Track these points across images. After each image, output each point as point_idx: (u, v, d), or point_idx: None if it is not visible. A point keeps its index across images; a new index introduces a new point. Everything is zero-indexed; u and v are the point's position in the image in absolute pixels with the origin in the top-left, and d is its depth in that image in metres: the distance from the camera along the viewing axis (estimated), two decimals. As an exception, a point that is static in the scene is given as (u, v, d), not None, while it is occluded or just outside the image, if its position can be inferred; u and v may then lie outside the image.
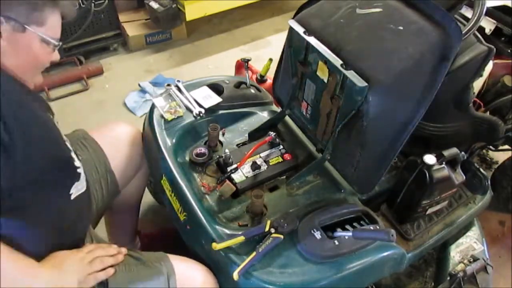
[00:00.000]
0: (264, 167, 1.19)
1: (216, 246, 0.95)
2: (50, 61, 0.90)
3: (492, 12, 1.52)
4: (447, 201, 1.25)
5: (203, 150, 1.22)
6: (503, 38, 1.57)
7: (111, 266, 0.95)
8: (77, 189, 0.94)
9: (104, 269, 0.93)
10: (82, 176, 0.96)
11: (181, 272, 1.00)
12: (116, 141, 1.23)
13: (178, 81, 1.41)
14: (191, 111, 1.32)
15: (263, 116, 1.39)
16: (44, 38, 0.83)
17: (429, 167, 1.10)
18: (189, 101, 1.34)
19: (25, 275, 0.81)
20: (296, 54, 1.17)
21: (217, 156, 1.21)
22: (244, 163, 1.17)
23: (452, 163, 1.16)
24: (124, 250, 1.01)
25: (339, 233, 1.01)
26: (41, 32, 0.82)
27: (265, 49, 2.91)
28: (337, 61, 1.00)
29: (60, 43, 0.88)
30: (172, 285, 0.97)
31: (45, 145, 0.84)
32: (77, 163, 0.95)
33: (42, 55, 0.86)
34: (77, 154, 1.12)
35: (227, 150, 1.19)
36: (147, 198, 1.73)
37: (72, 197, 0.93)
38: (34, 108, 0.84)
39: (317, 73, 1.10)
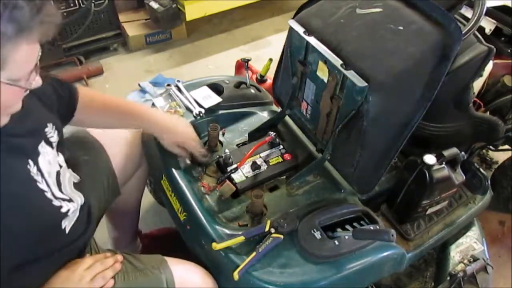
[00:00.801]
0: (264, 167, 1.19)
1: (216, 246, 0.95)
2: (30, 90, 0.73)
3: (492, 12, 1.52)
4: (447, 201, 1.25)
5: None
6: (503, 38, 1.57)
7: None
8: (69, 220, 0.91)
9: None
10: (72, 212, 0.90)
11: (179, 275, 0.99)
12: (116, 141, 1.23)
13: (178, 81, 1.41)
14: (191, 111, 1.32)
15: (263, 116, 1.39)
16: (6, 82, 0.65)
17: (429, 167, 1.10)
18: (189, 101, 1.34)
19: None
20: (296, 54, 1.17)
21: (217, 156, 1.21)
22: (244, 163, 1.17)
23: (452, 163, 1.16)
24: (120, 257, 0.99)
25: (339, 233, 1.01)
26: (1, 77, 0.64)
27: (265, 49, 2.91)
28: (337, 61, 1.00)
29: (35, 73, 0.71)
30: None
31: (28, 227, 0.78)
32: (68, 207, 0.89)
33: (10, 97, 0.69)
34: (76, 154, 1.09)
35: (227, 150, 1.19)
36: (147, 198, 1.73)
37: (67, 230, 0.90)
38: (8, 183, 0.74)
39: (317, 73, 1.10)
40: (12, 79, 0.66)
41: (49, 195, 0.84)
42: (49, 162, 0.86)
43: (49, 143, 0.88)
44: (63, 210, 0.87)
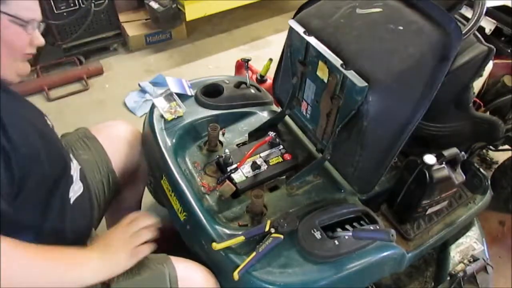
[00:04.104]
0: (264, 167, 1.19)
1: (216, 246, 0.95)
2: (34, 45, 0.79)
3: (492, 12, 1.52)
4: (447, 201, 1.25)
5: None
6: (503, 38, 1.57)
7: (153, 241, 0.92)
8: (74, 191, 0.93)
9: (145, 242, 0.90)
10: (76, 178, 0.94)
11: (182, 274, 0.99)
12: (116, 140, 1.23)
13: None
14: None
15: (263, 116, 1.39)
16: (10, 17, 0.72)
17: (429, 167, 1.10)
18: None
19: (71, 268, 0.77)
20: (296, 54, 1.17)
21: (217, 156, 1.21)
22: (244, 163, 1.17)
23: (452, 163, 1.16)
24: (157, 222, 0.95)
25: (339, 233, 1.00)
26: (5, 10, 0.71)
27: (265, 49, 2.91)
28: (337, 61, 1.00)
29: (39, 23, 0.78)
30: (173, 287, 0.97)
31: (45, 155, 0.81)
32: (73, 167, 0.93)
33: (16, 40, 0.74)
34: (75, 153, 1.11)
35: (227, 150, 1.19)
36: (147, 198, 1.73)
37: (72, 200, 0.92)
38: (29, 116, 0.81)
39: (317, 73, 1.10)
40: (14, 15, 0.72)
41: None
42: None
43: None
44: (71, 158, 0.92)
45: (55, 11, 2.45)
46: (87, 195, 1.01)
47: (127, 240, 0.88)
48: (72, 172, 0.93)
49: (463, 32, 1.05)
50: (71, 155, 0.99)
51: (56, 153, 0.87)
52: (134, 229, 0.90)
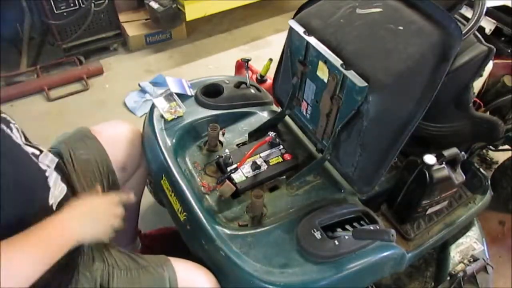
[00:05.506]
0: (264, 167, 1.19)
1: None
2: None
3: (492, 12, 1.52)
4: (447, 201, 1.25)
5: None
6: (503, 38, 1.57)
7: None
8: (55, 196, 0.87)
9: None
10: (53, 182, 0.86)
11: (182, 275, 0.99)
12: (116, 140, 1.23)
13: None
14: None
15: (263, 116, 1.39)
16: None
17: (429, 167, 1.10)
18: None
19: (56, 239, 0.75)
20: (296, 54, 1.17)
21: (217, 156, 1.21)
22: (244, 163, 1.17)
23: (452, 163, 1.16)
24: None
25: (339, 233, 1.01)
26: None
27: (265, 49, 2.91)
28: (337, 61, 1.00)
29: None
30: None
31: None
32: (47, 171, 0.85)
33: None
34: (75, 153, 1.09)
35: (227, 150, 1.19)
36: (147, 198, 1.73)
37: (54, 207, 0.86)
38: None
39: (317, 73, 1.10)
40: None
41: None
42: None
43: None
44: (40, 164, 0.84)
45: (55, 11, 2.45)
46: (71, 195, 0.95)
47: (108, 213, 0.87)
48: (47, 174, 0.85)
49: (463, 32, 1.05)
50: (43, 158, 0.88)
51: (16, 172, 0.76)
52: (113, 201, 0.89)
